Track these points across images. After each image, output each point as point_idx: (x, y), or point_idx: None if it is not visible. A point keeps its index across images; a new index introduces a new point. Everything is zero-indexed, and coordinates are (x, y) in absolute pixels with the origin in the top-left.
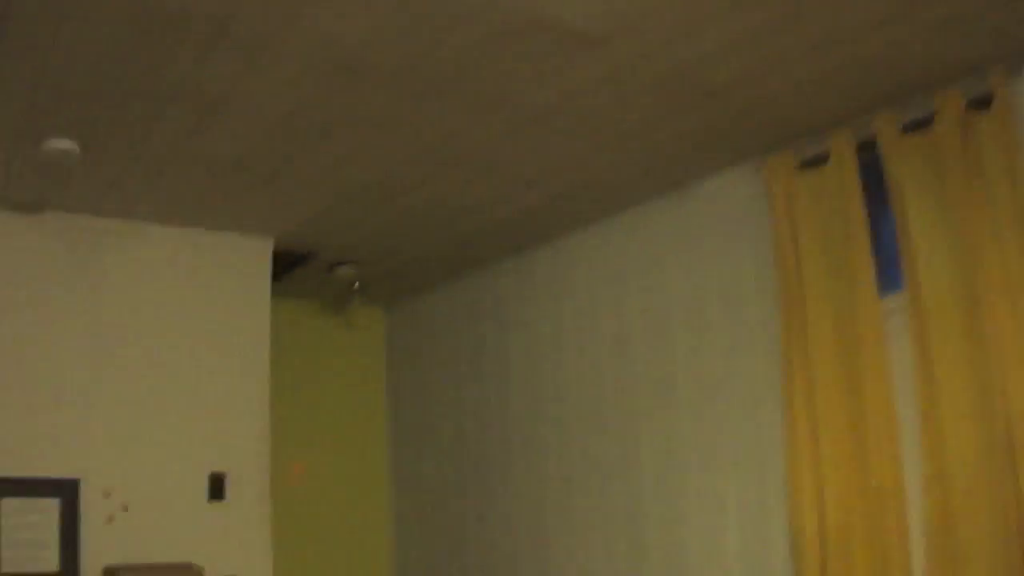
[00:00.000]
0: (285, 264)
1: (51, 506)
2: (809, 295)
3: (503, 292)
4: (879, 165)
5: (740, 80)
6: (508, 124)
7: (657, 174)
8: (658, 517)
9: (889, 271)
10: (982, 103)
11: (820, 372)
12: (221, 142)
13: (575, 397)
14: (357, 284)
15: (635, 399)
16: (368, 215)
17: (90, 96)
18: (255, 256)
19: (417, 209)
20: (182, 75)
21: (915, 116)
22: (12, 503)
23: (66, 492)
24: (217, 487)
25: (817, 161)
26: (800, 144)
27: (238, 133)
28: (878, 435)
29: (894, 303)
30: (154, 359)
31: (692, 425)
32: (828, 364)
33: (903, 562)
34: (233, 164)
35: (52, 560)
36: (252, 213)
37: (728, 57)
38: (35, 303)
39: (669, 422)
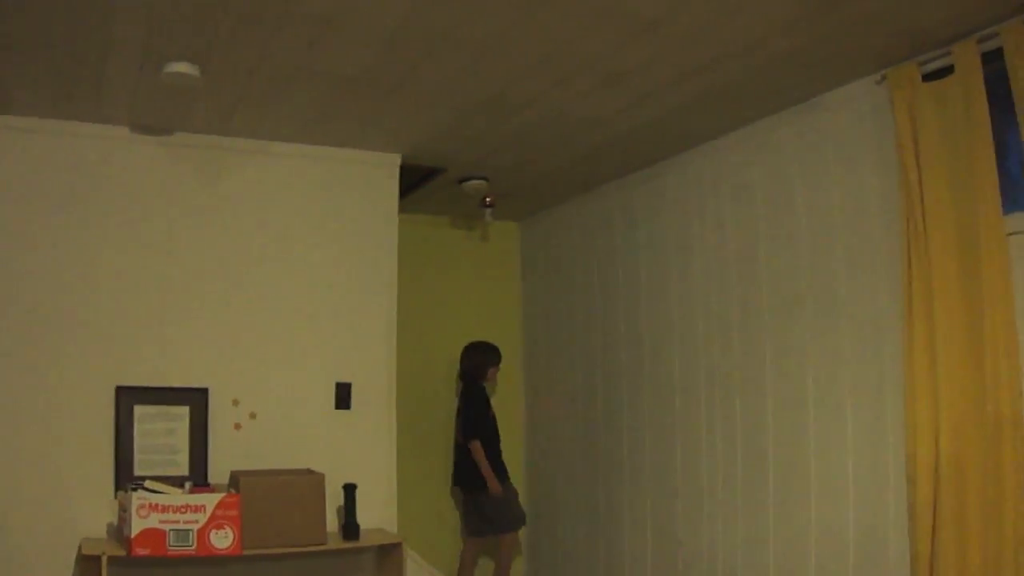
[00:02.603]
0: (415, 179)
1: (182, 413)
2: (931, 211)
3: (633, 206)
4: (1007, 77)
5: None
6: (621, 33)
7: (780, 87)
8: (777, 434)
9: (1014, 188)
10: None
11: (940, 292)
12: (336, 59)
13: (701, 310)
14: (488, 198)
15: (759, 315)
16: (493, 129)
17: (203, 19)
18: (383, 171)
19: (541, 121)
20: None
21: None
22: (145, 410)
23: (196, 400)
24: (343, 396)
25: (942, 73)
26: (925, 56)
27: (352, 49)
28: (997, 362)
29: (1018, 222)
30: (282, 273)
31: (814, 343)
32: (948, 284)
33: (1018, 495)
34: (351, 80)
35: (182, 464)
36: (377, 129)
37: None
38: (165, 221)
39: (791, 339)
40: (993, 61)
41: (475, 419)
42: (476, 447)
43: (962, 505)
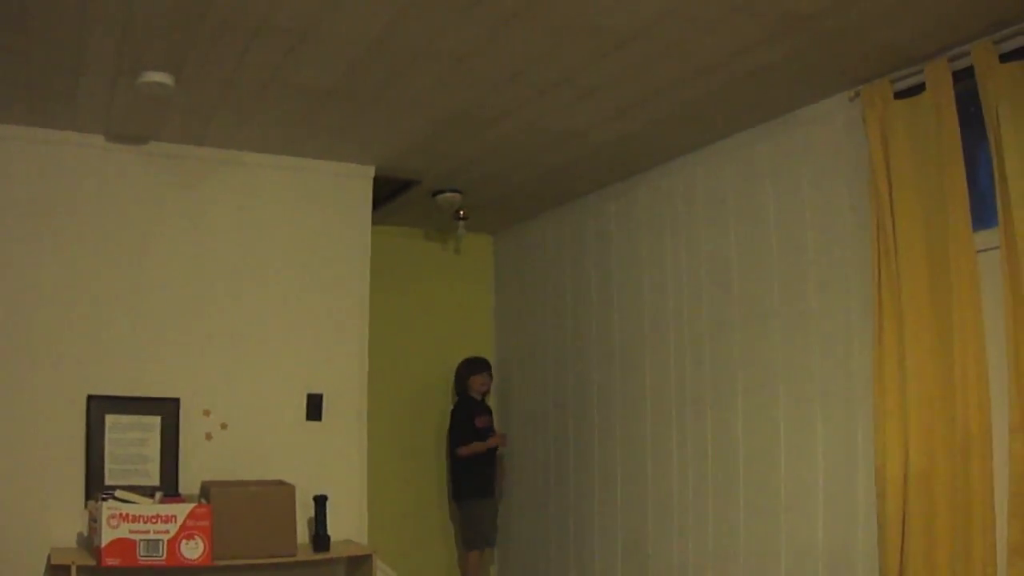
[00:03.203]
0: (389, 191)
1: (153, 423)
2: (902, 227)
3: (606, 219)
4: (977, 95)
5: (830, 5)
6: (595, 48)
7: (753, 102)
8: (748, 448)
9: (983, 205)
10: None
11: (910, 308)
12: (311, 71)
13: (673, 324)
14: (461, 211)
15: (731, 330)
16: (466, 142)
17: (179, 30)
18: (356, 183)
19: (515, 135)
20: (264, 6)
21: (1016, 44)
22: (117, 419)
23: (168, 410)
24: (314, 407)
25: (913, 90)
26: (897, 73)
27: (327, 62)
28: (966, 377)
29: (987, 239)
30: (255, 284)
31: (784, 357)
32: (918, 300)
33: (986, 510)
34: (326, 93)
35: (153, 474)
36: (351, 141)
37: None
38: (139, 230)
39: (762, 353)
40: (964, 79)
41: (453, 429)
42: (466, 449)
43: (931, 519)
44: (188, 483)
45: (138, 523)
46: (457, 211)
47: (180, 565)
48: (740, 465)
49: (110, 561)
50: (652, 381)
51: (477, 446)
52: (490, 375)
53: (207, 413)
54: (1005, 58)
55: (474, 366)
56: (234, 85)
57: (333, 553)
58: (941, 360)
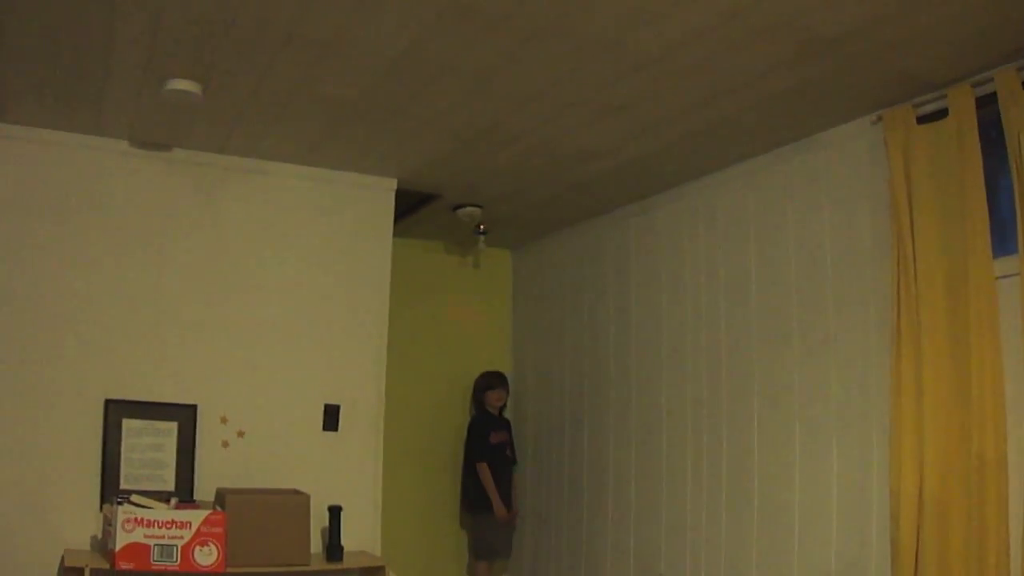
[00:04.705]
0: (410, 204)
1: (170, 429)
2: (921, 251)
3: (625, 237)
4: (1000, 121)
5: (854, 30)
6: (617, 68)
7: (775, 124)
8: (763, 468)
9: (1004, 231)
10: None
11: (928, 332)
12: (336, 84)
13: (690, 344)
14: (482, 225)
15: (748, 350)
16: (488, 158)
17: (207, 39)
18: (379, 195)
19: (536, 152)
20: (292, 18)
21: None
22: (133, 424)
23: (185, 416)
24: (331, 418)
25: (936, 115)
26: (920, 98)
27: (352, 75)
28: (983, 402)
29: (1007, 265)
30: (275, 293)
31: (801, 379)
32: (937, 324)
33: (999, 536)
34: (350, 105)
35: (168, 480)
36: (374, 153)
37: (840, 4)
38: (161, 237)
39: (779, 374)
40: (987, 105)
41: (469, 443)
42: (482, 469)
43: (945, 544)
44: (203, 489)
45: (153, 528)
46: (477, 225)
47: (193, 571)
48: (755, 484)
49: (124, 565)
50: (668, 400)
51: (495, 499)
52: (506, 390)
53: (224, 420)
54: None
55: (490, 380)
56: (259, 95)
57: (346, 564)
58: (958, 385)
